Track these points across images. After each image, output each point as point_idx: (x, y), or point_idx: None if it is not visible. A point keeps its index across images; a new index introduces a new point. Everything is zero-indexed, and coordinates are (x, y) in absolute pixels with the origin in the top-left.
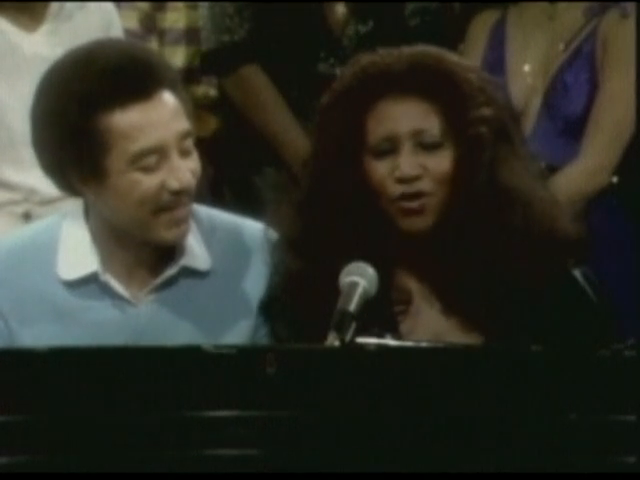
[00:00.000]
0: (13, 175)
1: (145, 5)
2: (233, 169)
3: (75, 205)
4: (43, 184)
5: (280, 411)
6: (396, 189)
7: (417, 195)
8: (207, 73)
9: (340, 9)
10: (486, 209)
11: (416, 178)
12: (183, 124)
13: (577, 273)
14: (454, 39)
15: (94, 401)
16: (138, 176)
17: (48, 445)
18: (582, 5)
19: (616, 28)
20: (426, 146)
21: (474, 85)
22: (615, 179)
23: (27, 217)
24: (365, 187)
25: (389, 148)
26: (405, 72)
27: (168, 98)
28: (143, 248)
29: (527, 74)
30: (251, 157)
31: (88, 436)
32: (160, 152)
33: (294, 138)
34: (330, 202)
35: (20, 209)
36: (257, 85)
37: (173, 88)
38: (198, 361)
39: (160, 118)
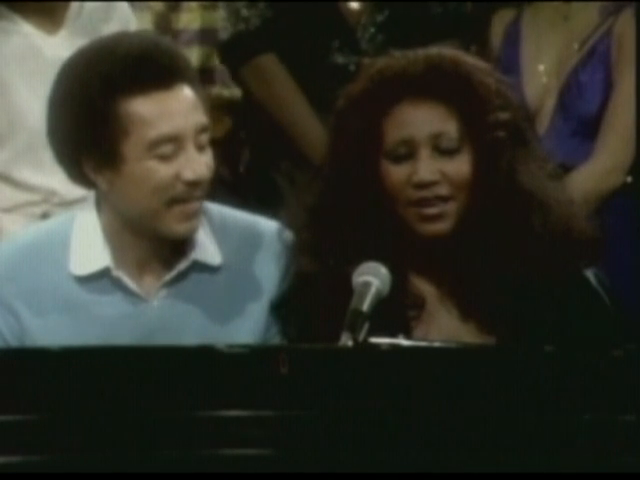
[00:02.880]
0: (32, 177)
1: (159, 6)
2: (255, 165)
3: (88, 201)
4: (62, 186)
5: (293, 411)
6: (414, 194)
7: (436, 201)
8: (224, 62)
9: None
10: (504, 212)
11: (434, 183)
12: (201, 118)
13: (590, 274)
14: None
15: (105, 401)
16: (154, 164)
17: (66, 444)
18: (597, 5)
19: (631, 28)
20: (444, 151)
21: (491, 88)
22: (629, 179)
23: (45, 218)
24: (381, 191)
25: (406, 153)
26: (421, 75)
27: (188, 91)
28: (154, 243)
29: (542, 73)
30: (270, 153)
31: (98, 436)
32: (177, 141)
33: (310, 128)
34: (345, 206)
35: (39, 210)
36: (273, 74)
37: (192, 83)
38: (211, 361)
39: (179, 108)
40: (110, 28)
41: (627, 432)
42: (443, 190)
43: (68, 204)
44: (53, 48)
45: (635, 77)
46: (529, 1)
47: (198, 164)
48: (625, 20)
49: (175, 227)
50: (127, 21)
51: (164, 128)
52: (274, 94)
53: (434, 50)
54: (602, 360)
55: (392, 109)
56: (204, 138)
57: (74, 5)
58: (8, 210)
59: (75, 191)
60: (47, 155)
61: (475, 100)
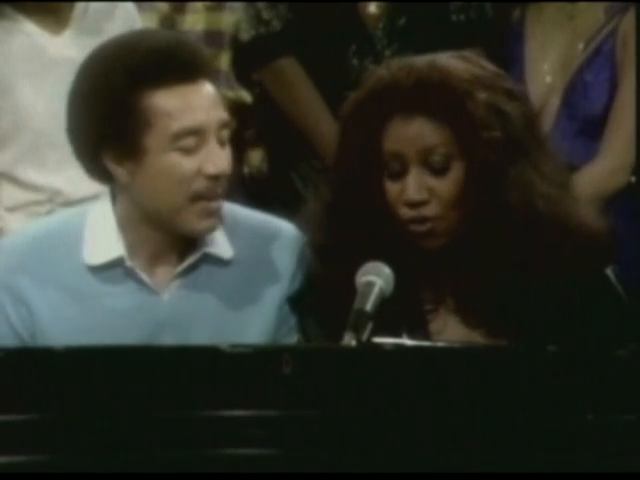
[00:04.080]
0: (37, 176)
1: (165, 7)
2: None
3: (102, 193)
4: (67, 185)
5: (296, 411)
6: (405, 213)
7: (424, 220)
8: (243, 65)
9: (374, 4)
10: (498, 228)
11: (423, 203)
12: (222, 113)
13: (609, 272)
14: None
15: (106, 400)
16: (176, 157)
17: (67, 444)
18: (602, 4)
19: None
20: (433, 169)
21: (480, 104)
22: (633, 179)
23: None
24: (384, 201)
25: (399, 170)
26: (411, 89)
27: (209, 87)
28: (169, 236)
29: (546, 73)
30: (288, 155)
31: (99, 436)
32: (199, 135)
33: (328, 131)
34: (351, 212)
35: (43, 210)
36: (293, 77)
37: (213, 80)
38: (214, 360)
39: (202, 103)
40: (115, 28)
41: (629, 432)
42: (431, 211)
43: (72, 204)
44: (57, 48)
45: (636, 78)
46: (535, 0)
47: (220, 158)
48: (631, 20)
49: (195, 224)
50: (132, 21)
51: (187, 121)
52: (293, 97)
53: (428, 60)
54: (605, 360)
55: (386, 123)
56: (225, 134)
57: (79, 5)
58: (13, 209)
59: (80, 191)
60: (52, 155)
61: (465, 116)
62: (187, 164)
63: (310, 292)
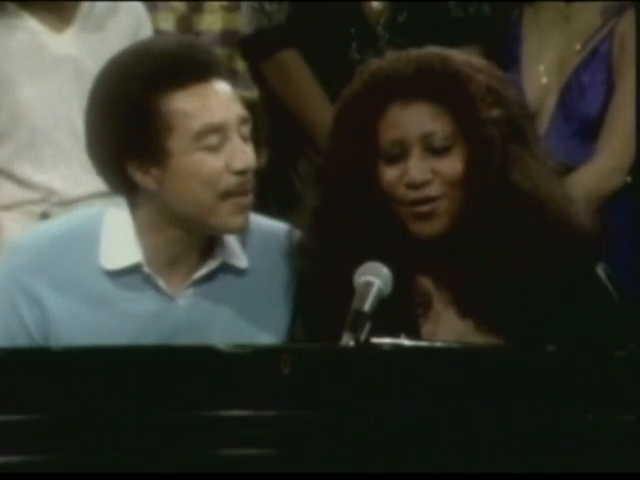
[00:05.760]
0: (32, 174)
1: (182, 6)
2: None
3: (118, 199)
4: (62, 185)
5: (295, 411)
6: (406, 194)
7: (427, 200)
8: (246, 57)
9: None
10: (499, 210)
11: (426, 183)
12: (241, 109)
13: (600, 270)
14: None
15: (105, 400)
16: (202, 156)
17: (66, 444)
18: (599, 5)
19: (633, 29)
20: (435, 150)
21: (482, 86)
22: (629, 179)
23: (45, 217)
24: (379, 193)
25: (399, 153)
26: (412, 76)
27: (224, 85)
28: (193, 240)
29: (542, 73)
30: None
31: (98, 436)
32: (221, 132)
33: (329, 124)
34: (345, 207)
35: (38, 209)
36: (295, 70)
37: (227, 79)
38: (213, 360)
39: (219, 100)
40: (121, 29)
41: (629, 432)
42: (434, 190)
43: (67, 204)
44: (59, 45)
45: (636, 78)
46: (532, 1)
47: (244, 153)
48: (627, 21)
49: (228, 221)
50: (139, 23)
51: (207, 118)
52: (295, 90)
53: (425, 50)
54: (604, 360)
55: (384, 111)
56: (246, 130)
57: (85, 4)
58: (8, 208)
59: (74, 190)
60: (48, 152)
61: (465, 98)
62: (213, 162)
63: (298, 295)
